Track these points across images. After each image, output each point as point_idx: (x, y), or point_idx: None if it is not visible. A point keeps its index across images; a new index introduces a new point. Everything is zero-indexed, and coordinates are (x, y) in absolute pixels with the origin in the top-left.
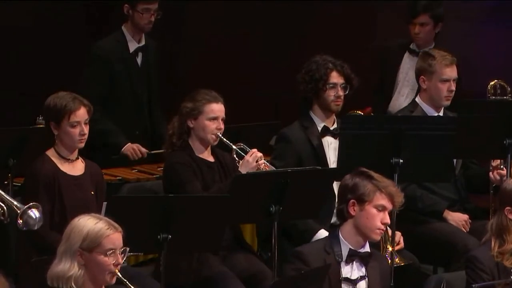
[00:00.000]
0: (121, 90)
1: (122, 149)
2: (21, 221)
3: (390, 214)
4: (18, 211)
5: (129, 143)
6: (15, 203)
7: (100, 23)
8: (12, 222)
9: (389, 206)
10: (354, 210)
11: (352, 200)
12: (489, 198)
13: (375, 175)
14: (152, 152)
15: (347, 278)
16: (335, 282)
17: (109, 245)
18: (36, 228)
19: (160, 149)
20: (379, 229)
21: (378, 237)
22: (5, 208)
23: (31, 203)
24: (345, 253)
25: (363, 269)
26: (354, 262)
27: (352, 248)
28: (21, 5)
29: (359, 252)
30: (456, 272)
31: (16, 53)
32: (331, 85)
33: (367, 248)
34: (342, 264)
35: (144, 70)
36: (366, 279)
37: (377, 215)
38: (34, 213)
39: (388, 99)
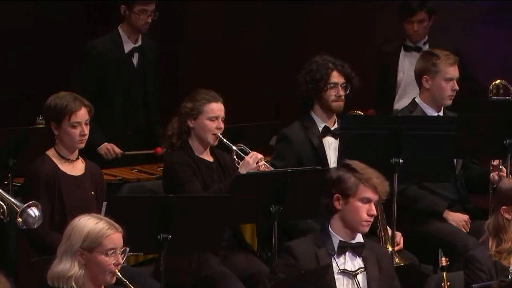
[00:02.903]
0: (112, 90)
1: (98, 148)
2: (20, 219)
3: (390, 214)
4: (18, 210)
5: (105, 143)
6: (15, 201)
7: (100, 23)
8: (12, 222)
9: (374, 197)
10: (339, 204)
11: (336, 194)
12: (489, 198)
13: (358, 166)
14: (127, 153)
15: (345, 270)
16: (329, 276)
17: (110, 245)
18: (35, 226)
19: (137, 150)
20: (366, 221)
21: (366, 229)
22: (5, 207)
23: (31, 202)
24: (336, 245)
25: (359, 260)
26: (347, 254)
27: (343, 240)
28: (22, 5)
29: (350, 243)
30: (456, 272)
31: (16, 53)
32: (332, 85)
33: (359, 239)
34: (335, 257)
35: (140, 70)
36: (365, 271)
37: (363, 207)
38: (34, 211)
39: (390, 100)
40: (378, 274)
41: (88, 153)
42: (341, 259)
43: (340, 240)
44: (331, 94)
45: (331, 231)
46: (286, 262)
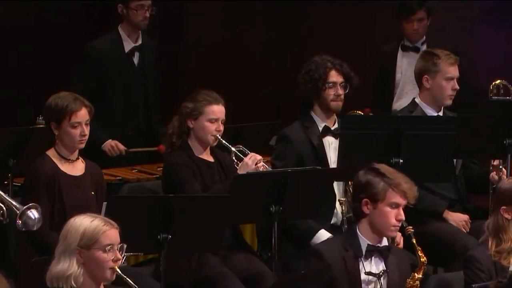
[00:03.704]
0: (112, 90)
1: (102, 146)
2: (20, 221)
3: None
4: (17, 212)
5: (109, 140)
6: (15, 203)
7: (100, 23)
8: (12, 222)
9: (403, 202)
10: (367, 209)
11: (365, 199)
12: (489, 198)
13: (387, 171)
14: (131, 150)
15: (370, 272)
16: (353, 278)
17: (107, 240)
18: (35, 228)
19: (140, 147)
20: (394, 226)
21: (394, 234)
22: (4, 208)
23: (30, 204)
24: (363, 248)
25: (383, 264)
26: (373, 257)
27: (370, 243)
28: (22, 5)
29: (378, 247)
30: (456, 272)
31: (16, 53)
32: (330, 84)
33: (385, 242)
34: (362, 259)
35: (140, 70)
36: (387, 273)
37: (391, 212)
38: (33, 213)
39: (389, 100)
40: (398, 277)
41: (89, 152)
42: (367, 262)
43: (368, 244)
44: (330, 93)
45: (359, 234)
46: (317, 267)
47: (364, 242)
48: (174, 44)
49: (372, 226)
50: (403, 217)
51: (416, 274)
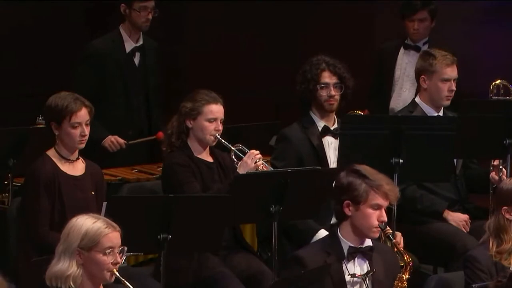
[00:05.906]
0: (112, 89)
1: (102, 142)
2: None
3: (390, 214)
4: None
5: (109, 136)
6: None
7: (100, 23)
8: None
9: (384, 203)
10: (349, 211)
11: (347, 201)
12: (489, 198)
13: (369, 172)
14: (130, 142)
15: (354, 274)
16: (338, 282)
17: (108, 243)
18: None
19: (139, 139)
20: (376, 227)
21: (376, 235)
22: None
23: None
24: (345, 251)
25: (367, 264)
26: (356, 259)
27: (352, 245)
28: (21, 5)
29: (360, 248)
30: (456, 272)
31: (16, 53)
32: (322, 85)
33: (368, 243)
34: (345, 262)
35: (141, 70)
36: (372, 273)
37: (373, 213)
38: None
39: (387, 99)
40: (384, 276)
41: (89, 152)
42: (350, 264)
43: (350, 246)
44: (322, 94)
45: (341, 236)
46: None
47: (346, 244)
48: (174, 44)
49: (354, 228)
50: (385, 218)
51: (403, 275)
